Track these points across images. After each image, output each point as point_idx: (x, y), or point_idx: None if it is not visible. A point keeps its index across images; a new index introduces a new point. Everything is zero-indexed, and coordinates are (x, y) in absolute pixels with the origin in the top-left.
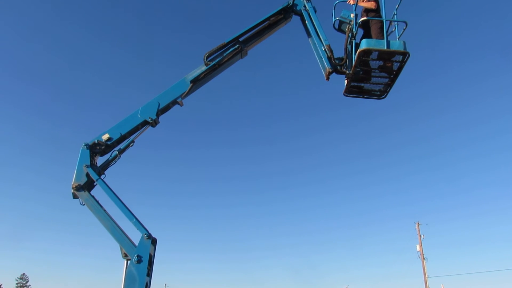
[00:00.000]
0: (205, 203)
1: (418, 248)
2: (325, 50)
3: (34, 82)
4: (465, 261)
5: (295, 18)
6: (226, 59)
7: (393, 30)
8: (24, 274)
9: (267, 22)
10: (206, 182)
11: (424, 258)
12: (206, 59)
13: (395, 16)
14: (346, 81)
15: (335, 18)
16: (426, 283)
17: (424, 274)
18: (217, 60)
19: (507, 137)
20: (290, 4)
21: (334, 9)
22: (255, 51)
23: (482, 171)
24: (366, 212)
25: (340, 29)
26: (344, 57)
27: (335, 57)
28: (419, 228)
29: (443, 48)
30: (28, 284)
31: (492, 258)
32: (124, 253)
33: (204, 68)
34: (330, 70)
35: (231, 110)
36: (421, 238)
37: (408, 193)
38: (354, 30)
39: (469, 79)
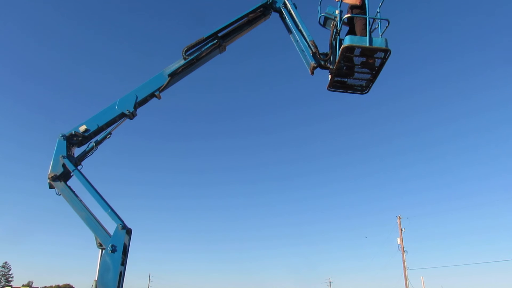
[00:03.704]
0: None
1: (398, 241)
2: (308, 45)
3: (36, 80)
4: (444, 254)
5: (275, 15)
6: (204, 53)
7: (376, 27)
8: (6, 262)
9: (246, 18)
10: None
11: (404, 251)
12: (185, 53)
13: (379, 13)
14: (330, 76)
15: (320, 14)
16: (405, 275)
17: (404, 267)
18: (196, 54)
19: (489, 133)
20: (269, 1)
21: (320, 5)
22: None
23: (463, 167)
24: (349, 206)
25: (325, 25)
26: (329, 52)
27: (320, 52)
28: (400, 222)
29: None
30: (10, 273)
31: (470, 252)
32: (99, 243)
33: (182, 62)
34: (315, 65)
35: (222, 102)
36: (402, 231)
37: (390, 187)
38: (338, 26)
39: (457, 75)
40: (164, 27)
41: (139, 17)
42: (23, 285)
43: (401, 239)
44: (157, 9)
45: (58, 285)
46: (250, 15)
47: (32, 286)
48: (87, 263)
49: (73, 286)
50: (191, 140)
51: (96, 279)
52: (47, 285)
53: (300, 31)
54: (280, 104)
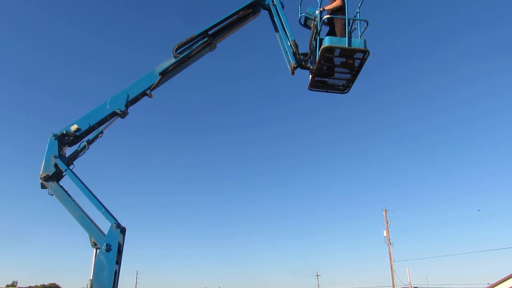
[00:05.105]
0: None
1: (385, 233)
2: (290, 45)
3: (30, 82)
4: (428, 245)
5: (264, 13)
6: (195, 51)
7: (356, 27)
8: None
9: (236, 16)
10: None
11: (390, 243)
12: (175, 52)
13: (358, 14)
14: (310, 76)
15: (301, 14)
16: (391, 267)
17: (390, 259)
18: (186, 52)
19: (472, 125)
20: None
21: (300, 5)
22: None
23: (445, 159)
24: (336, 199)
25: (306, 25)
26: (309, 52)
27: (300, 52)
28: (386, 214)
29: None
30: None
31: (453, 242)
32: (94, 242)
33: (173, 60)
34: (295, 65)
35: (216, 98)
36: (388, 224)
37: (376, 179)
38: (318, 26)
39: (437, 69)
40: (155, 25)
41: (129, 15)
42: (7, 285)
43: (387, 232)
44: (148, 6)
45: (44, 285)
46: (240, 13)
47: (17, 285)
48: (74, 262)
49: (59, 285)
50: (171, 136)
51: (91, 278)
52: (32, 285)
53: (284, 30)
54: (274, 99)
